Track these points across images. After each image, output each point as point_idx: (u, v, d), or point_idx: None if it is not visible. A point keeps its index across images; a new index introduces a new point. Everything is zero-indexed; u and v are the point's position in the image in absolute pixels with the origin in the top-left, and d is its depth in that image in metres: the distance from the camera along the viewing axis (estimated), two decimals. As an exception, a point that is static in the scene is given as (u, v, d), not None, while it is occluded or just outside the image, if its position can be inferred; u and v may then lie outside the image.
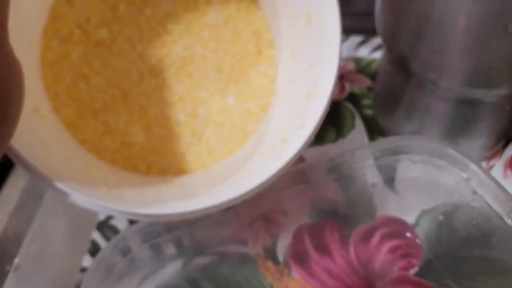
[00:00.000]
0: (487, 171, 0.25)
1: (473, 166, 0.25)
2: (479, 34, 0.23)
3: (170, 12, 0.24)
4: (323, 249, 0.27)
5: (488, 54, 0.24)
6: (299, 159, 0.33)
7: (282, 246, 0.28)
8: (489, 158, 0.33)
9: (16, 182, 0.32)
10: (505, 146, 0.34)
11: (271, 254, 0.27)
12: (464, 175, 0.25)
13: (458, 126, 0.29)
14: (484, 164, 0.33)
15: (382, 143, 0.26)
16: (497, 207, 0.24)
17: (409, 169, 0.27)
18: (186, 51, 0.24)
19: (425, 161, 0.26)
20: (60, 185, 0.18)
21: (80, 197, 0.18)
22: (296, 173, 0.26)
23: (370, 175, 0.27)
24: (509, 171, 0.32)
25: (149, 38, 0.24)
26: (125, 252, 0.23)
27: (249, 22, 0.25)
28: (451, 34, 0.24)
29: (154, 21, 0.24)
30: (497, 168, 0.33)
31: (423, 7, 0.24)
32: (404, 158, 0.26)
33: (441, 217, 0.28)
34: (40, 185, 0.18)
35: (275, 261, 0.27)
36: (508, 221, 0.24)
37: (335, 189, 0.27)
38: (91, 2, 0.23)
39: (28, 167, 0.17)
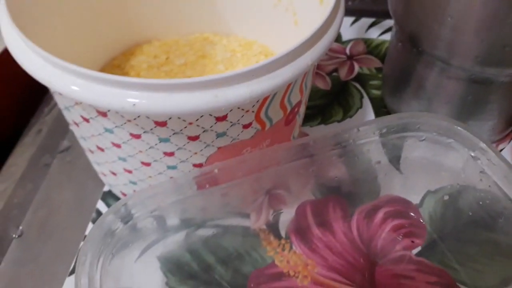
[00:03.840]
0: (497, 151, 0.24)
1: (482, 145, 0.24)
2: (495, 8, 0.22)
3: (184, 63, 0.29)
4: (325, 226, 0.27)
5: (504, 30, 0.23)
6: (303, 134, 0.33)
7: (285, 222, 0.27)
8: (498, 142, 0.33)
9: (23, 151, 0.33)
10: (515, 130, 0.33)
11: (273, 228, 0.27)
12: (472, 154, 0.25)
13: (468, 107, 0.29)
14: (492, 148, 0.32)
15: (389, 119, 0.25)
16: (506, 188, 0.23)
17: (416, 147, 0.26)
18: None
19: (433, 139, 0.25)
20: None
21: None
22: (300, 147, 0.25)
23: (375, 152, 0.26)
24: (518, 156, 0.32)
25: None
26: (126, 219, 0.23)
27: (252, 51, 0.31)
28: (465, 9, 0.23)
29: (172, 73, 0.29)
30: (506, 152, 0.32)
31: (437, -19, 0.23)
32: (411, 135, 0.26)
33: (446, 197, 0.27)
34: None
35: (277, 235, 0.27)
36: (517, 202, 0.23)
37: (339, 165, 0.27)
38: None
39: None
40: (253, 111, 0.21)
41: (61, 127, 0.34)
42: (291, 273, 0.25)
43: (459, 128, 0.24)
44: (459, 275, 0.25)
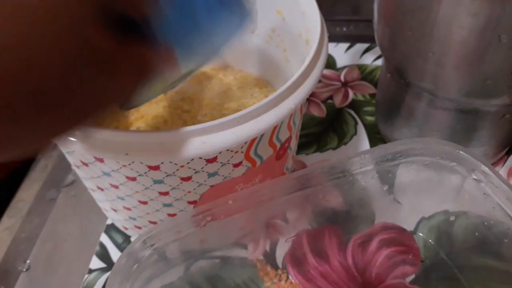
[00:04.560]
0: (498, 173, 0.24)
1: (484, 168, 0.24)
2: (474, 46, 0.23)
3: (182, 98, 0.31)
4: (321, 255, 0.28)
5: (483, 65, 0.24)
6: (301, 165, 0.34)
7: (282, 251, 0.28)
8: (492, 165, 0.33)
9: (30, 186, 0.34)
10: (509, 153, 0.34)
11: (270, 259, 0.28)
12: (475, 176, 0.25)
13: (458, 134, 0.29)
14: (486, 171, 0.33)
15: (388, 146, 0.26)
16: (509, 209, 0.24)
17: (413, 173, 0.26)
18: (205, 118, 0.30)
19: (436, 163, 0.26)
20: None
21: None
22: (297, 179, 0.26)
23: (370, 181, 0.27)
24: (512, 179, 0.32)
25: (172, 120, 0.29)
26: (138, 260, 0.24)
27: (248, 84, 0.32)
28: (446, 46, 0.24)
29: (170, 108, 0.30)
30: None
31: (418, 20, 0.24)
32: (410, 161, 0.26)
33: (451, 218, 0.28)
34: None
35: (274, 266, 0.28)
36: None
37: (335, 195, 0.27)
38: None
39: None
40: (242, 152, 0.22)
41: (67, 161, 0.35)
42: (288, 303, 0.26)
43: (460, 152, 0.25)
44: (453, 302, 0.26)
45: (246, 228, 0.28)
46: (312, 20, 0.25)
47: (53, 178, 0.34)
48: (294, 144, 0.27)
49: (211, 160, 0.21)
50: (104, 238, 0.30)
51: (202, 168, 0.21)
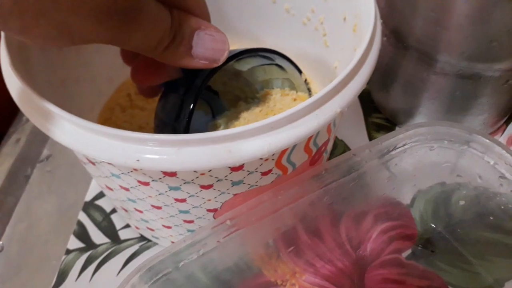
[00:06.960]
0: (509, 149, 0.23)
1: (499, 149, 0.22)
2: (480, 2, 0.21)
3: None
4: (313, 231, 0.26)
5: (489, 24, 0.22)
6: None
7: (272, 228, 0.27)
8: (490, 135, 0.32)
9: (2, 162, 0.32)
10: (508, 122, 0.32)
11: (260, 236, 0.27)
12: (489, 160, 0.23)
13: (458, 102, 0.28)
14: (485, 141, 0.31)
15: (399, 132, 0.23)
16: None
17: (417, 158, 0.25)
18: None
19: (445, 147, 0.24)
20: None
21: None
22: (313, 179, 0.23)
23: (375, 174, 0.25)
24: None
25: None
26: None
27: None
28: (447, 3, 0.22)
29: None
30: (499, 145, 0.31)
31: (419, -26, 0.22)
32: (415, 147, 0.24)
33: (449, 191, 0.26)
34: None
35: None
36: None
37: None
38: None
39: None
40: (273, 159, 0.19)
41: (41, 135, 0.33)
42: (279, 282, 0.25)
43: (474, 134, 0.23)
44: (451, 277, 0.25)
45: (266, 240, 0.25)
46: (362, 3, 0.21)
47: (27, 153, 0.32)
48: (330, 145, 0.24)
49: (236, 169, 0.18)
50: (83, 217, 0.28)
51: (226, 176, 0.19)
